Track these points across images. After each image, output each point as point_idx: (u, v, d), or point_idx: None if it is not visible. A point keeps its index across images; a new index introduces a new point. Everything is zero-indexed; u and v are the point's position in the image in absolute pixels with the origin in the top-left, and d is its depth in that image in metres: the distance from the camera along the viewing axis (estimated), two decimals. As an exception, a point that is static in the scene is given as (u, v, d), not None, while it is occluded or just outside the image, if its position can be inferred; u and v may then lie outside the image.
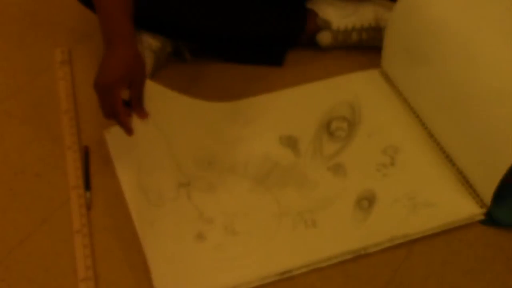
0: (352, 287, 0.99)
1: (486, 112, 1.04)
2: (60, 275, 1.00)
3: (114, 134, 1.17)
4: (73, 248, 1.02)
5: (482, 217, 1.06)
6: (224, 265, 1.00)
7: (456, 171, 1.11)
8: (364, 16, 1.31)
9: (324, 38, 1.32)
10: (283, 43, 1.34)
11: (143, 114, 1.06)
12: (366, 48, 1.34)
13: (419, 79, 1.18)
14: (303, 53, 1.34)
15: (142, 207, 1.06)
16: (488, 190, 1.04)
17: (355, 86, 1.26)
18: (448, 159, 1.12)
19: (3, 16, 1.44)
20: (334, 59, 1.33)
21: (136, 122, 1.06)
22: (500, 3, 1.10)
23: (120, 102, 1.01)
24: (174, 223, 1.05)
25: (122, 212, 1.06)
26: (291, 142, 1.17)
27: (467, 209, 1.07)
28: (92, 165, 1.14)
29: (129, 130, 1.05)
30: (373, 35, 1.31)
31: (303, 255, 1.01)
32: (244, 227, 1.05)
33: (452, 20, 1.12)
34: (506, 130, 1.01)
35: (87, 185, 1.10)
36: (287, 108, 1.23)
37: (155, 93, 1.09)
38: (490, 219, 1.06)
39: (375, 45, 1.32)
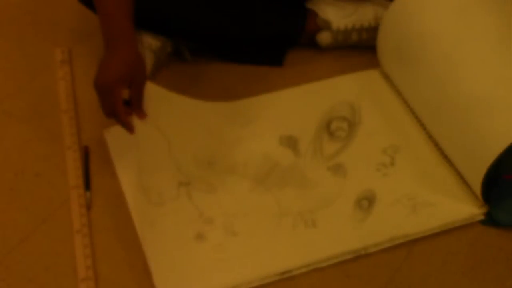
0: (352, 287, 0.99)
1: (465, 116, 1.05)
2: (60, 275, 1.00)
3: (114, 134, 1.16)
4: (73, 248, 1.02)
5: (482, 217, 1.06)
6: (224, 265, 1.00)
7: (455, 171, 1.11)
8: (364, 16, 1.31)
9: (324, 38, 1.32)
10: (283, 43, 1.33)
11: (142, 114, 1.06)
12: (366, 48, 1.34)
13: (410, 80, 1.18)
14: (303, 53, 1.34)
15: (142, 207, 1.06)
16: (476, 191, 1.05)
17: (355, 86, 1.26)
18: (447, 159, 1.13)
19: (3, 16, 1.44)
20: (334, 59, 1.33)
21: (136, 122, 1.06)
22: (490, 14, 1.11)
23: (120, 102, 1.01)
24: (174, 223, 1.05)
25: (122, 212, 1.06)
26: (291, 142, 1.17)
27: (467, 209, 1.07)
28: (92, 165, 1.14)
29: (130, 129, 1.05)
30: (373, 35, 1.31)
31: (303, 255, 1.01)
32: (244, 227, 1.05)
33: (439, 28, 1.13)
34: (481, 133, 1.02)
35: (87, 185, 1.10)
36: (287, 108, 1.23)
37: (155, 95, 1.09)
38: (490, 219, 1.06)
39: (375, 45, 1.32)
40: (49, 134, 1.19)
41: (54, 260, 1.01)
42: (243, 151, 1.16)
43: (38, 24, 1.42)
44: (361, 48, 1.34)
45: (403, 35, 1.18)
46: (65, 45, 1.35)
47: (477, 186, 1.04)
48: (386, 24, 1.23)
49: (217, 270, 0.99)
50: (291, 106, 1.23)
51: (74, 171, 1.12)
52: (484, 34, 1.08)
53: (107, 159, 1.14)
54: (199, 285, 0.98)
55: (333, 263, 1.01)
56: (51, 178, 1.12)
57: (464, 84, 1.06)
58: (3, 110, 1.24)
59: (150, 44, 1.25)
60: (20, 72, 1.31)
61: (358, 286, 0.99)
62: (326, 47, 1.34)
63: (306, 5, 1.33)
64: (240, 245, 1.02)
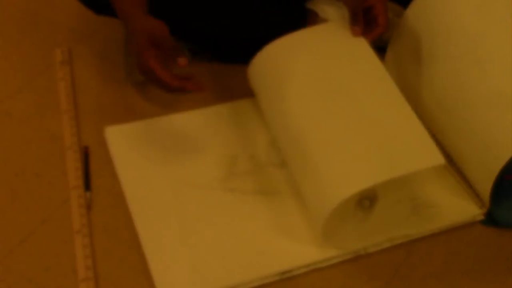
0: (352, 287, 0.99)
1: (486, 112, 1.05)
2: (60, 275, 1.00)
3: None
4: (73, 248, 1.02)
5: (482, 217, 1.06)
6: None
7: (457, 172, 1.11)
8: (364, 16, 1.31)
9: (324, 38, 1.32)
10: (283, 43, 1.33)
11: (199, 85, 1.07)
12: (366, 48, 1.33)
13: (424, 80, 1.18)
14: (303, 53, 1.34)
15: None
16: (485, 189, 1.05)
17: None
18: (449, 159, 1.12)
19: (3, 16, 1.44)
20: (334, 59, 1.33)
21: None
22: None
23: (152, 59, 1.02)
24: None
25: (122, 212, 1.06)
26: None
27: (467, 209, 1.07)
28: (92, 165, 1.14)
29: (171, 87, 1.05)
30: (373, 35, 1.31)
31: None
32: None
33: (464, 23, 1.12)
34: (503, 128, 1.02)
35: (87, 185, 1.10)
36: None
37: None
38: (490, 219, 1.06)
39: (375, 45, 1.31)
40: (49, 134, 1.19)
41: (54, 260, 1.01)
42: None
43: (38, 24, 1.42)
44: (361, 48, 1.34)
45: (426, 31, 1.17)
46: (65, 45, 1.36)
47: (488, 182, 1.03)
48: (407, 22, 1.21)
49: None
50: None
51: (74, 172, 1.12)
52: (508, 29, 1.07)
53: (107, 159, 1.14)
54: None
55: (333, 263, 1.01)
56: (51, 178, 1.12)
57: (488, 79, 1.06)
58: (3, 110, 1.24)
59: (150, 44, 1.25)
60: (20, 72, 1.31)
61: (358, 286, 0.99)
62: (326, 47, 1.34)
63: (306, 5, 1.33)
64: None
